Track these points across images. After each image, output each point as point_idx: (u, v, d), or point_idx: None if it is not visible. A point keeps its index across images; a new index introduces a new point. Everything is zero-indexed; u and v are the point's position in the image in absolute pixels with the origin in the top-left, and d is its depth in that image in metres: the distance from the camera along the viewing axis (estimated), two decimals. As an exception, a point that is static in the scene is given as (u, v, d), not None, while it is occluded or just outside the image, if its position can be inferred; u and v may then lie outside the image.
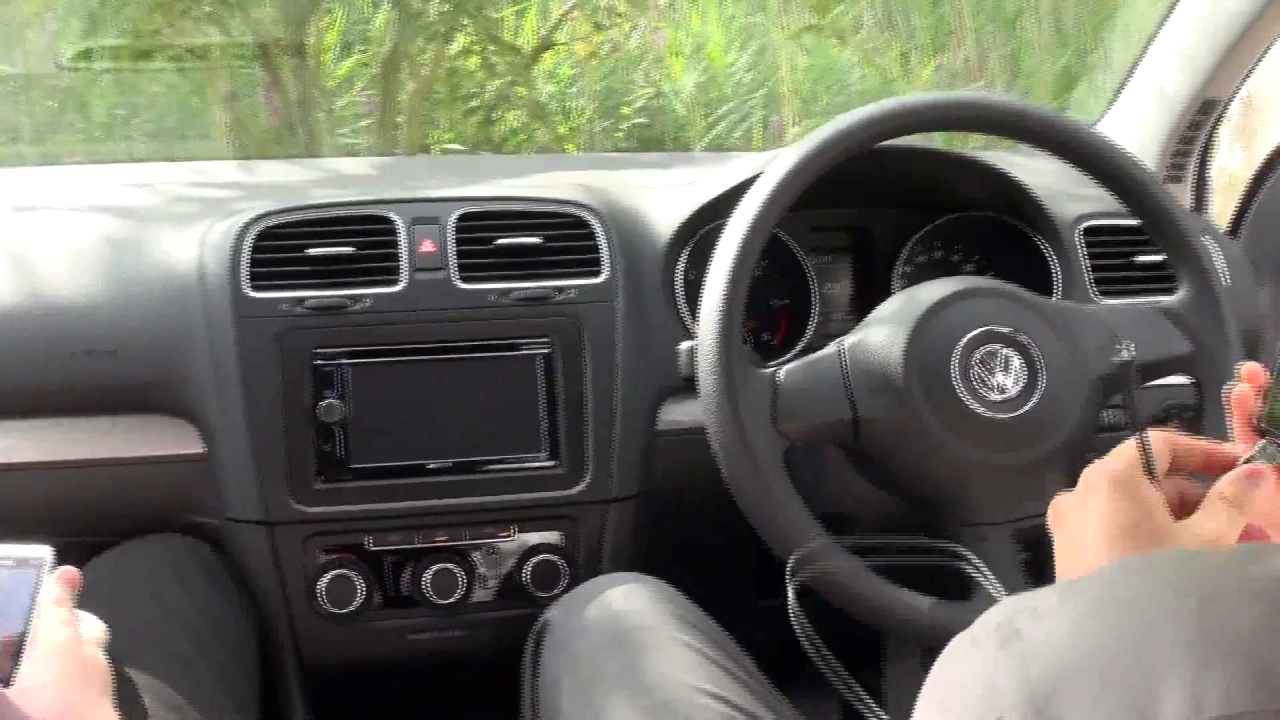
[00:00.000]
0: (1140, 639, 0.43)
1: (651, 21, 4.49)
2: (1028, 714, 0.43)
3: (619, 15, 4.20)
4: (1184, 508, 0.76)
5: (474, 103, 3.87)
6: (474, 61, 3.85)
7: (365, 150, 4.24)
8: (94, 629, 0.92)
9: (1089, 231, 1.56)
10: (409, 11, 3.87)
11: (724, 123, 4.58)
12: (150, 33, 3.63)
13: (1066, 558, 0.77)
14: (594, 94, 4.51)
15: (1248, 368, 0.78)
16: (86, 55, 3.50)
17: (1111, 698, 0.42)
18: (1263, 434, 0.76)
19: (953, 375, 1.23)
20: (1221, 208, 1.85)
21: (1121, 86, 1.79)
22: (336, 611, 1.39)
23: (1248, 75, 1.65)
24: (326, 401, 1.38)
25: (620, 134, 4.52)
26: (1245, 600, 0.43)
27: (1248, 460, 0.77)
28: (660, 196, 1.55)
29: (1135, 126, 1.75)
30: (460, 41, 3.85)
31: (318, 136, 3.98)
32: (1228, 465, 0.79)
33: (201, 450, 1.39)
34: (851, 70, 4.85)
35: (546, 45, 4.30)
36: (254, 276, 1.40)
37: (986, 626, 0.48)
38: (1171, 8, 1.67)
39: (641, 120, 4.53)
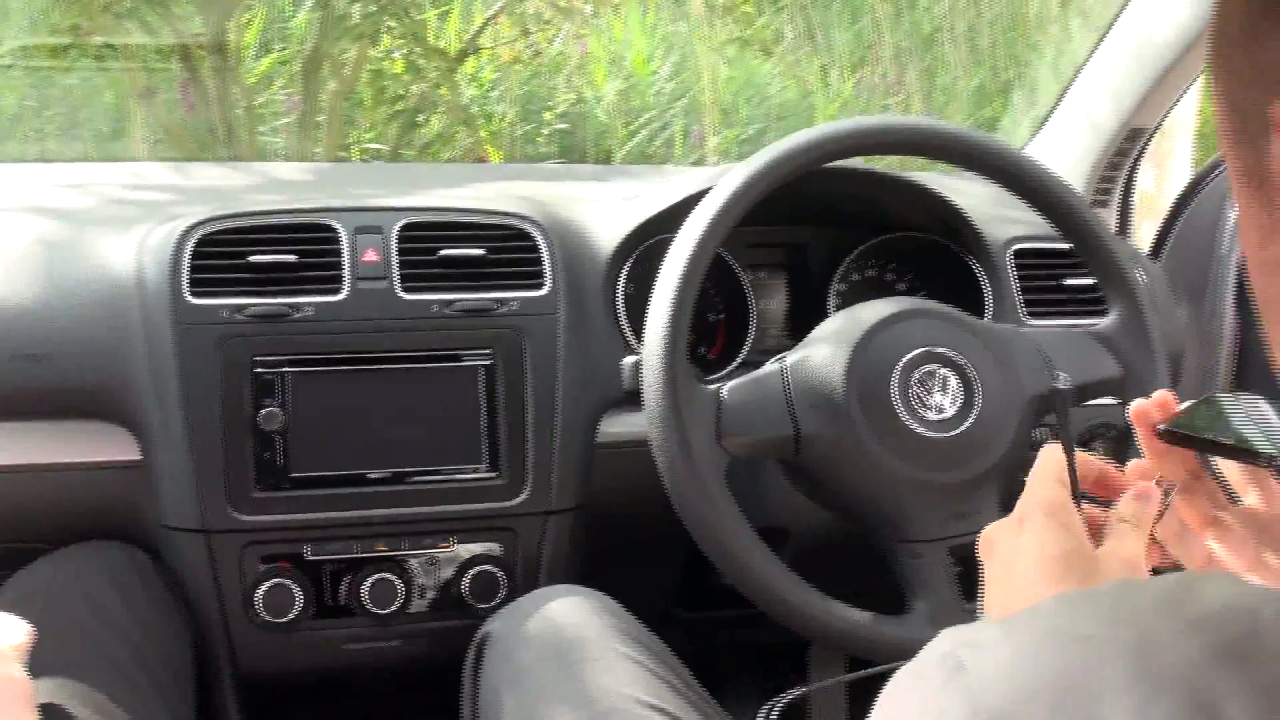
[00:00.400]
0: (1083, 672, 0.44)
1: (575, 28, 4.50)
2: None
3: (545, 22, 4.20)
4: (1090, 531, 0.79)
5: (399, 105, 3.85)
6: (399, 65, 3.84)
7: (284, 148, 4.20)
8: (11, 638, 0.90)
9: (1020, 254, 1.60)
10: (333, 12, 3.84)
11: (645, 131, 4.61)
12: (69, 28, 3.58)
13: (998, 588, 0.78)
14: (516, 99, 4.51)
15: (1160, 394, 0.81)
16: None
17: None
18: (1169, 439, 0.80)
19: (892, 394, 1.26)
20: (1136, 225, 1.91)
21: (1050, 113, 1.84)
22: (273, 620, 1.38)
23: (1174, 105, 1.70)
24: (266, 409, 1.37)
25: (541, 139, 4.53)
26: (1183, 633, 0.44)
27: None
28: (602, 210, 1.56)
29: (1064, 151, 1.80)
30: (385, 43, 3.83)
31: (236, 133, 3.94)
32: (1120, 487, 0.82)
33: (138, 457, 1.38)
34: (772, 82, 4.90)
35: (471, 49, 4.30)
36: (194, 283, 1.39)
37: (931, 659, 0.49)
38: (1101, 39, 1.72)
39: (563, 126, 4.54)
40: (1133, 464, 0.83)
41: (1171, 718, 0.41)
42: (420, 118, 3.99)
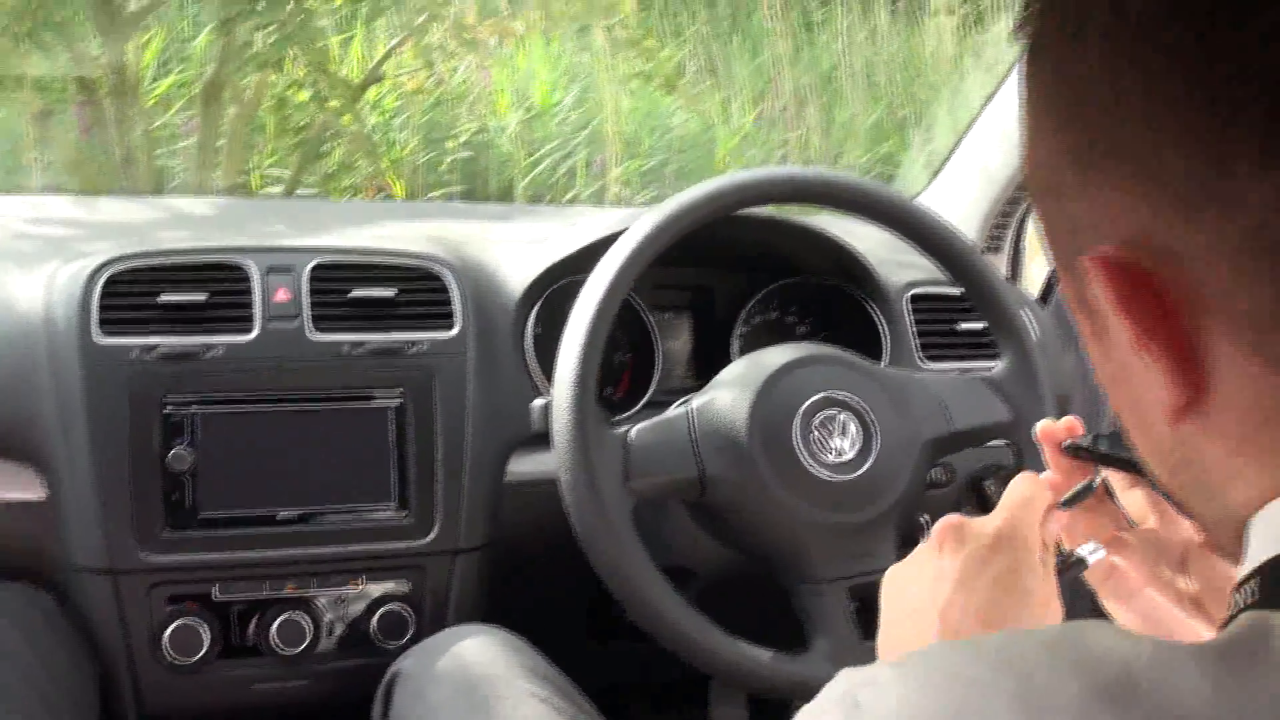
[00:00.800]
0: (971, 712, 0.47)
1: (480, 59, 4.52)
2: None
3: (450, 53, 4.21)
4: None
5: (302, 134, 3.83)
6: (302, 93, 3.82)
7: (183, 171, 4.17)
8: None
9: (916, 299, 1.65)
10: (235, 39, 3.82)
11: (548, 160, 4.63)
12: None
13: (894, 629, 0.82)
14: (418, 127, 4.51)
15: (1068, 420, 0.86)
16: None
17: None
18: (1072, 453, 0.85)
19: (794, 438, 1.30)
20: (1027, 270, 1.97)
21: (945, 161, 1.90)
22: (181, 661, 1.38)
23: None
24: (175, 449, 1.37)
25: (444, 167, 4.53)
26: (1065, 676, 0.47)
27: (1064, 500, 0.85)
28: (512, 252, 1.59)
29: (958, 199, 1.86)
30: (289, 71, 3.82)
31: (134, 157, 3.90)
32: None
33: (44, 496, 1.37)
34: (674, 114, 4.95)
35: (374, 78, 4.29)
36: (103, 322, 1.39)
37: (830, 698, 0.51)
38: (994, 91, 1.79)
39: (466, 155, 4.54)
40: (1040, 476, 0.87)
41: None
42: (323, 147, 3.97)
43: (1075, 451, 0.85)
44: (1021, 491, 0.83)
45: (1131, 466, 0.82)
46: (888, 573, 0.86)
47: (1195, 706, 0.45)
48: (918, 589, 0.81)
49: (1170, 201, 0.48)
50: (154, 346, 1.39)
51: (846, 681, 0.52)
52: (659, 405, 1.40)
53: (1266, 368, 0.48)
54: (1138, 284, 0.50)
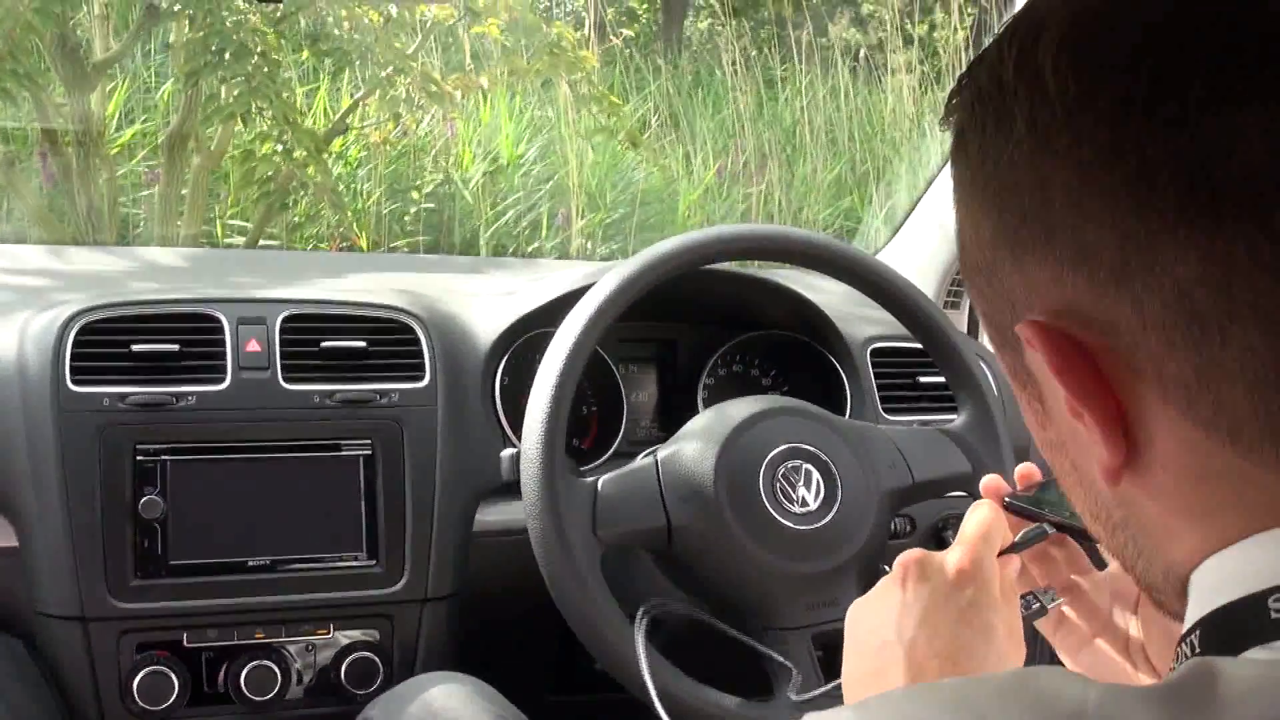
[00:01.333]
0: None
1: (445, 111, 4.55)
2: None
3: (416, 106, 4.25)
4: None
5: (267, 186, 3.85)
6: (267, 145, 3.84)
7: (145, 220, 4.17)
8: None
9: (876, 352, 1.69)
10: (201, 91, 3.84)
11: (511, 212, 4.66)
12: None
13: (862, 660, 0.84)
14: (383, 178, 4.53)
15: (1023, 468, 0.89)
16: None
17: None
18: (1012, 510, 0.87)
19: (759, 488, 1.32)
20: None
21: (905, 218, 1.94)
22: (150, 709, 1.38)
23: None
24: (147, 497, 1.39)
25: (408, 217, 4.55)
26: (1019, 714, 0.49)
27: (1013, 544, 0.87)
28: (481, 305, 1.61)
29: (918, 255, 1.91)
30: (255, 123, 3.84)
31: (97, 205, 3.90)
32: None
33: (14, 543, 1.38)
34: (637, 168, 5.00)
35: (339, 130, 4.32)
36: (75, 371, 1.40)
37: None
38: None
39: (429, 206, 4.57)
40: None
41: None
42: (288, 199, 3.99)
43: (1014, 510, 0.87)
44: (980, 521, 0.85)
45: (1061, 528, 0.85)
46: (851, 607, 0.88)
47: None
48: (881, 624, 0.83)
49: (1098, 275, 0.51)
50: (126, 395, 1.40)
51: None
52: (626, 456, 1.43)
53: (1197, 429, 0.51)
54: (1071, 350, 0.53)
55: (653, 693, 1.26)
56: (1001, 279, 0.56)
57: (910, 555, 0.85)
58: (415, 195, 4.57)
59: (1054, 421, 0.56)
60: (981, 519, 0.86)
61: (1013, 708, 0.50)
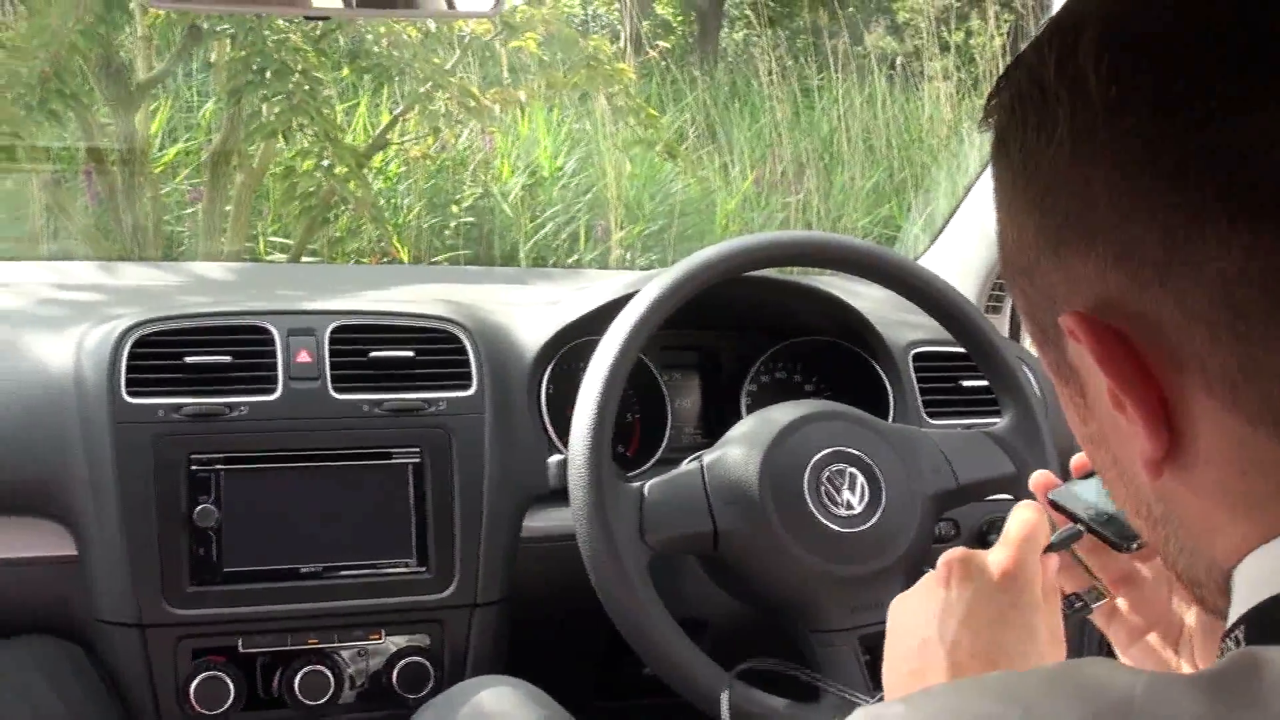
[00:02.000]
0: None
1: (483, 125, 4.58)
2: None
3: (455, 121, 4.28)
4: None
5: (309, 201, 3.89)
6: (309, 162, 3.88)
7: (189, 237, 4.22)
8: None
9: (919, 357, 1.70)
10: (243, 109, 3.88)
11: (550, 225, 4.69)
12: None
13: (903, 659, 0.85)
14: (422, 192, 4.57)
15: (1078, 459, 0.88)
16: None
17: None
18: (1055, 508, 0.88)
19: (804, 492, 1.34)
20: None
21: (946, 223, 1.95)
22: (206, 714, 1.40)
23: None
24: (201, 506, 1.41)
25: (448, 231, 4.59)
26: (1065, 706, 0.49)
27: (1050, 545, 0.88)
28: (526, 314, 1.63)
29: (959, 260, 1.91)
30: (298, 140, 3.88)
31: (141, 223, 3.95)
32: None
33: (74, 552, 1.41)
34: (675, 179, 5.02)
35: (380, 145, 4.36)
36: (131, 383, 1.43)
37: None
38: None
39: (469, 220, 4.60)
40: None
41: None
42: (330, 214, 4.03)
43: (1056, 507, 0.88)
44: (1024, 522, 0.86)
45: (1094, 532, 0.85)
46: (893, 603, 0.89)
47: None
48: (923, 622, 0.84)
49: (1142, 272, 0.52)
50: (180, 406, 1.43)
51: (859, 717, 0.54)
52: (670, 463, 1.44)
53: (1242, 421, 0.51)
54: (1114, 341, 0.53)
55: (724, 702, 1.27)
56: (1044, 277, 0.56)
57: (954, 554, 0.86)
58: (455, 209, 4.61)
59: (1095, 415, 0.57)
60: (1025, 520, 0.87)
61: (1059, 698, 0.50)
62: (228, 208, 4.05)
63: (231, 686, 1.41)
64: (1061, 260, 0.55)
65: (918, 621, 0.85)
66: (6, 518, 1.41)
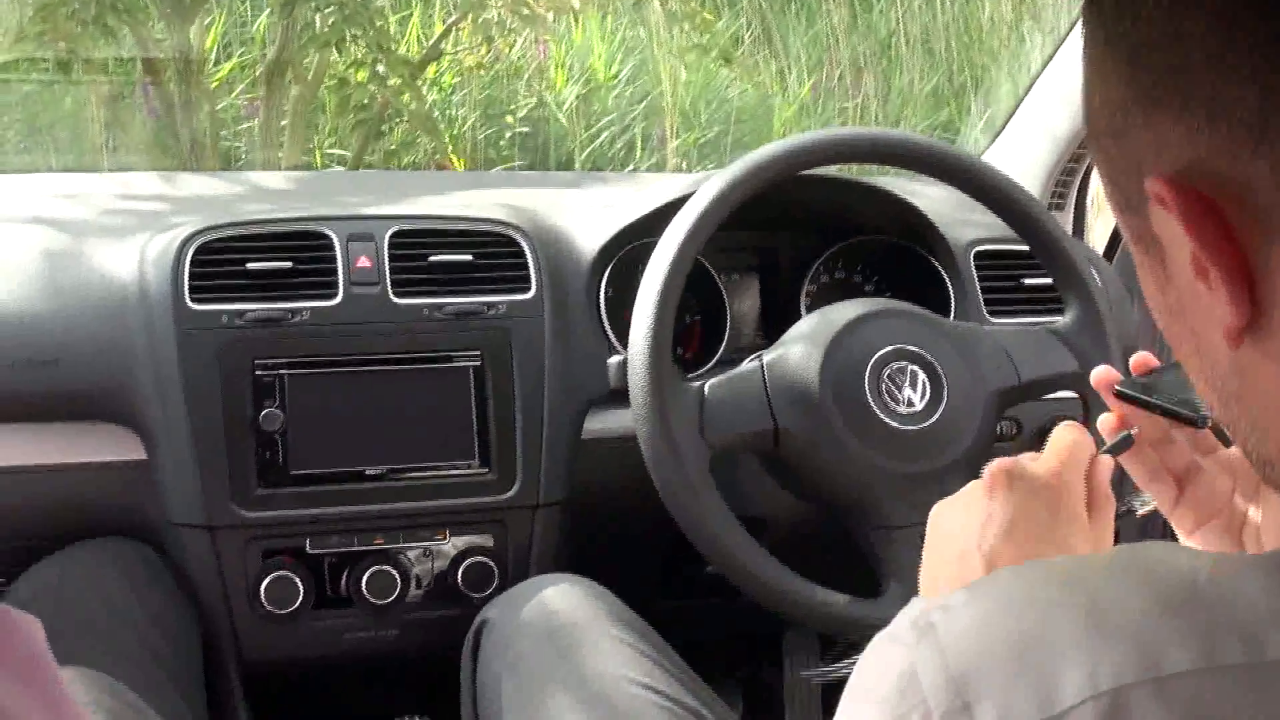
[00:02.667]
0: (1041, 631, 0.50)
1: (537, 33, 4.55)
2: (949, 696, 0.50)
3: (508, 29, 4.25)
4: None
5: (363, 113, 3.88)
6: (363, 73, 3.87)
7: (247, 152, 4.24)
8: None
9: (981, 255, 1.68)
10: (296, 21, 3.87)
11: (605, 134, 4.66)
12: (35, 35, 3.60)
13: (941, 565, 0.85)
14: (477, 103, 4.55)
15: (1138, 357, 0.88)
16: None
17: (1021, 680, 0.49)
18: (1122, 398, 0.87)
19: (865, 390, 1.33)
20: (1091, 226, 1.99)
21: (1008, 120, 1.92)
22: (277, 612, 1.44)
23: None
24: (267, 410, 1.43)
25: (503, 143, 4.58)
26: (1130, 591, 0.50)
27: (1109, 448, 0.88)
28: (583, 217, 1.63)
29: (1022, 158, 1.88)
30: (351, 52, 3.87)
31: (199, 139, 3.97)
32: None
33: (144, 456, 1.44)
34: (730, 86, 4.96)
35: (433, 55, 4.33)
36: (194, 290, 1.44)
37: (903, 624, 0.54)
38: (1054, 52, 1.80)
39: (524, 130, 4.58)
40: (1103, 417, 0.90)
41: (1120, 667, 0.48)
42: (385, 126, 4.02)
43: (1123, 397, 0.87)
44: (1065, 440, 0.86)
45: (1169, 414, 0.84)
46: (935, 509, 0.89)
47: (1258, 613, 0.48)
48: (964, 531, 0.84)
49: (1235, 133, 0.50)
50: (243, 312, 1.44)
51: (919, 607, 0.55)
52: (730, 364, 1.44)
53: None
54: (1201, 205, 0.52)
55: (764, 589, 1.28)
56: (1131, 140, 0.55)
57: (1000, 464, 0.85)
58: (510, 119, 4.59)
59: (1175, 285, 0.56)
60: (1068, 438, 0.86)
61: (1124, 582, 0.51)
62: (283, 121, 4.05)
63: (301, 586, 1.44)
64: (1151, 121, 0.53)
65: (957, 530, 0.85)
66: (78, 423, 1.44)
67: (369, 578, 1.46)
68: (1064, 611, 0.50)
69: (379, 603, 1.46)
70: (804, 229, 1.72)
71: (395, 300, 1.49)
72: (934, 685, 0.50)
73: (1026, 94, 1.89)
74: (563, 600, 1.33)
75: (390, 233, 1.52)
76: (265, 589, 1.43)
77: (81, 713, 0.60)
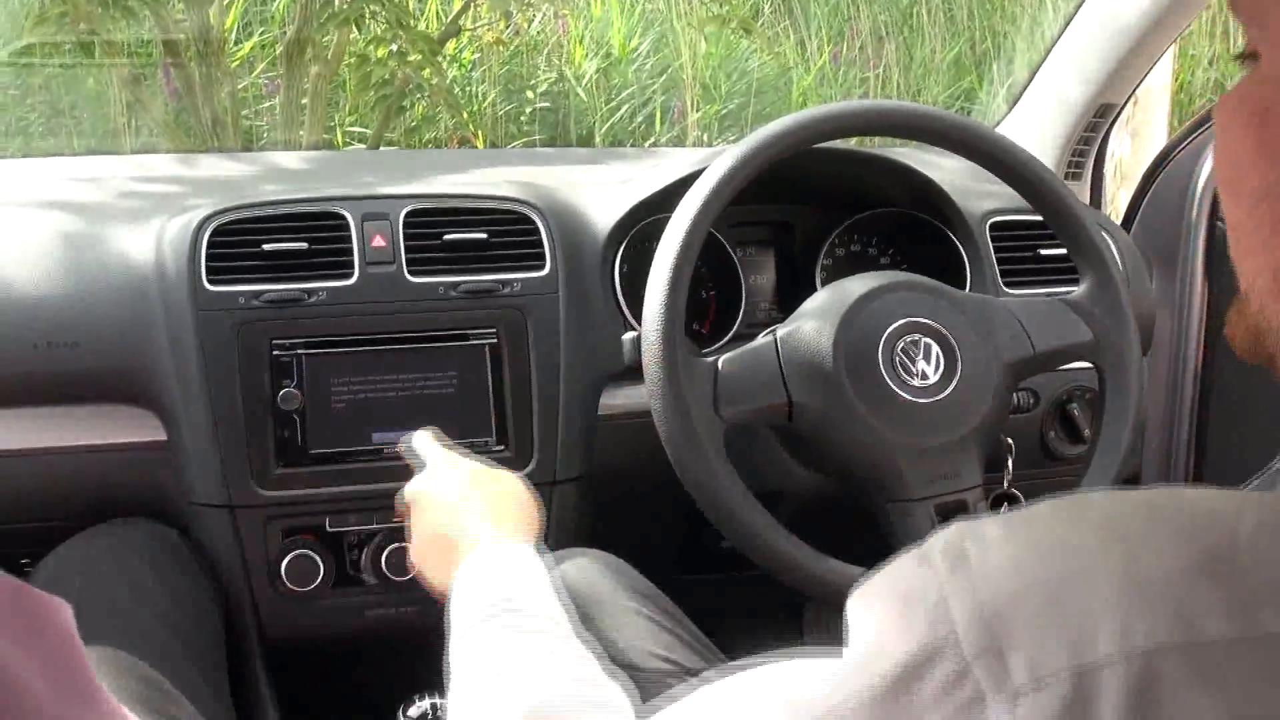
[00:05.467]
0: (1076, 577, 0.49)
1: (556, 8, 4.54)
2: (979, 631, 0.49)
3: (526, 3, 4.24)
4: None
5: (384, 90, 3.89)
6: (383, 50, 3.87)
7: (268, 131, 4.25)
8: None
9: (996, 226, 1.67)
10: (315, -2, 3.87)
11: (625, 108, 4.65)
12: (57, 16, 3.61)
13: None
14: (497, 79, 4.55)
15: None
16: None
17: (1053, 627, 0.48)
18: None
19: (879, 363, 1.33)
20: (1111, 193, 1.98)
21: (1023, 91, 1.91)
22: (297, 590, 1.45)
23: (1142, 80, 1.77)
24: (285, 390, 1.44)
25: (524, 118, 4.57)
26: (1167, 543, 0.49)
27: None
28: (598, 194, 1.63)
29: (1037, 128, 1.87)
30: (370, 29, 3.87)
31: (220, 118, 3.97)
32: None
33: (164, 437, 1.45)
34: (750, 58, 4.94)
35: (453, 31, 4.33)
36: (211, 271, 1.45)
37: (935, 546, 0.53)
38: (1068, 21, 1.79)
39: (544, 105, 4.58)
40: None
41: (1154, 630, 0.47)
42: (405, 102, 4.02)
43: None
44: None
45: None
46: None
47: None
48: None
49: None
50: (260, 293, 1.45)
51: (953, 532, 0.54)
52: (745, 338, 1.44)
53: None
54: None
55: (779, 562, 1.28)
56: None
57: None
58: (530, 94, 4.59)
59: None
60: None
61: (1159, 528, 0.50)
62: (304, 100, 4.06)
63: (321, 564, 1.45)
64: None
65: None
66: (99, 405, 1.45)
67: (388, 555, 1.47)
68: (1099, 563, 0.49)
69: (398, 579, 1.47)
70: (819, 202, 1.72)
71: (411, 279, 1.50)
72: (965, 619, 0.50)
73: (1042, 62, 1.88)
74: (583, 574, 1.34)
75: (405, 212, 1.53)
76: (286, 567, 1.45)
77: (109, 697, 0.61)
